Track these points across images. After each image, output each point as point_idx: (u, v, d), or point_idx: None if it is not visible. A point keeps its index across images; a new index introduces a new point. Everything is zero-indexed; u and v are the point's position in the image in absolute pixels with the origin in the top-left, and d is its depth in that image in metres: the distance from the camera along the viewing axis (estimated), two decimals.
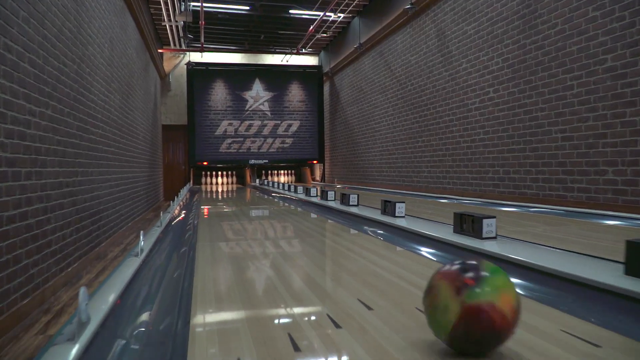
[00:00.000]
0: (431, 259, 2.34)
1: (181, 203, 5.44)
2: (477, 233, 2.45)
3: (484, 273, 0.90)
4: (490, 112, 5.89)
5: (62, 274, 3.68)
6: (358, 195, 4.22)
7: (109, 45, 5.92)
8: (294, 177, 14.39)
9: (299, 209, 4.85)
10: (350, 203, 4.15)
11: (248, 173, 13.38)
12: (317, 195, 5.53)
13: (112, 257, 4.95)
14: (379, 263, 2.08)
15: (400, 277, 1.79)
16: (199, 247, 2.42)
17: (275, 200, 6.34)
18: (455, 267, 0.92)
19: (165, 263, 2.28)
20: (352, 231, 3.24)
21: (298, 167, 14.37)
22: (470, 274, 0.89)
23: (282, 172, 14.34)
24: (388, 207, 3.51)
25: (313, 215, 4.21)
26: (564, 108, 4.72)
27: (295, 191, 6.31)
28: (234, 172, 13.75)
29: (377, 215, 3.46)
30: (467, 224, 2.56)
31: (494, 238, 2.42)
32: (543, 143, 4.98)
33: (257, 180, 12.27)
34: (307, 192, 5.74)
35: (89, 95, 4.75)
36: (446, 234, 2.56)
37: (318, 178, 14.30)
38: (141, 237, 2.12)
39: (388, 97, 9.10)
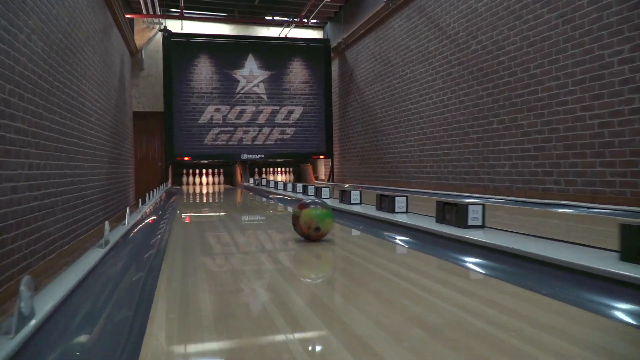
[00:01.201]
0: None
1: (148, 210, 3.75)
2: None
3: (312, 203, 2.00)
4: None
5: None
6: (407, 199, 2.79)
7: None
8: (292, 176, 12.00)
9: None
10: (397, 210, 2.76)
11: (239, 171, 10.96)
12: (335, 198, 3.89)
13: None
14: (462, 303, 1.17)
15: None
16: (164, 269, 1.59)
17: (277, 204, 4.78)
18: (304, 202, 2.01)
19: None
20: (400, 249, 2.12)
21: (297, 165, 11.99)
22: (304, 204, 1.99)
23: (279, 169, 11.95)
24: None
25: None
26: None
27: (305, 192, 4.78)
28: (222, 170, 11.31)
29: (468, 234, 1.86)
30: None
31: None
32: None
33: (251, 180, 9.89)
34: (318, 193, 4.08)
35: None
36: None
37: (323, 177, 11.92)
38: (20, 305, 0.90)
39: (435, 66, 6.75)
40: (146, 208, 3.61)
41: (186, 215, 3.81)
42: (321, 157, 10.81)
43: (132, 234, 2.39)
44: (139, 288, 1.46)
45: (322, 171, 12.01)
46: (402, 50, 7.73)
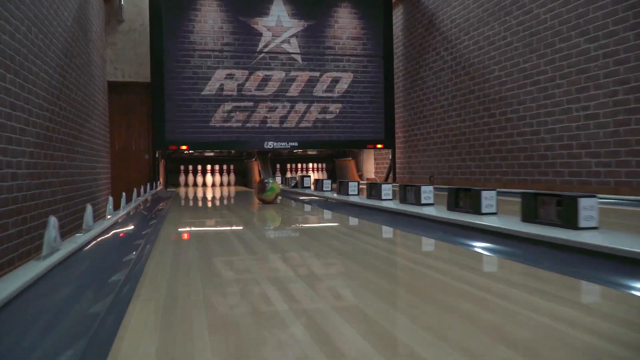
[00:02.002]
0: None
1: (117, 220, 2.43)
2: None
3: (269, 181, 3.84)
4: None
5: None
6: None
7: None
8: (324, 175, 8.80)
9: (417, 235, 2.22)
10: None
11: (256, 167, 7.76)
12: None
13: None
14: None
15: None
16: (138, 303, 1.10)
17: (321, 211, 3.56)
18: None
19: None
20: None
21: (330, 159, 8.82)
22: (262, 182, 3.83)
23: (311, 165, 8.74)
24: None
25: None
26: None
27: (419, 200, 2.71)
28: (232, 166, 8.14)
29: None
30: None
31: None
32: None
33: (278, 179, 6.76)
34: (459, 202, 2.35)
35: None
36: None
37: (373, 175, 8.63)
38: None
39: None
40: (115, 218, 2.34)
41: (181, 230, 2.72)
42: (378, 146, 7.51)
43: (89, 247, 1.67)
44: (94, 326, 0.98)
45: (370, 167, 8.72)
46: None
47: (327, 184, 4.75)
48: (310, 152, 8.60)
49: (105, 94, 7.37)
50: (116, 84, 7.77)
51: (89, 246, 1.70)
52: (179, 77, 6.87)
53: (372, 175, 8.67)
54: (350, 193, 3.85)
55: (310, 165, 8.75)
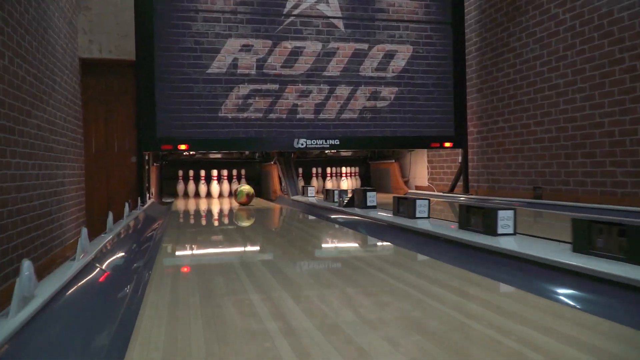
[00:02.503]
0: None
1: (97, 254, 1.83)
2: None
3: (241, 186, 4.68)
4: None
5: None
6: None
7: None
8: (357, 181, 6.95)
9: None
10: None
11: (276, 173, 5.90)
12: None
13: None
14: None
15: None
16: None
17: (364, 236, 2.84)
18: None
19: None
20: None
21: (364, 162, 6.99)
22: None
23: (343, 170, 6.88)
24: None
25: None
26: None
27: None
28: (243, 171, 6.29)
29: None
30: None
31: None
32: None
33: (310, 190, 4.98)
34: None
35: None
36: None
37: (425, 183, 6.70)
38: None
39: None
40: (94, 252, 1.79)
41: (181, 260, 2.23)
42: (446, 145, 5.55)
43: (68, 294, 1.31)
44: None
45: (421, 172, 6.79)
46: None
47: (423, 208, 2.84)
48: (344, 153, 6.72)
49: (75, 74, 5.41)
50: (92, 62, 5.81)
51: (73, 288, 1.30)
52: (174, 50, 4.91)
53: (425, 183, 6.73)
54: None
55: (343, 169, 6.84)
